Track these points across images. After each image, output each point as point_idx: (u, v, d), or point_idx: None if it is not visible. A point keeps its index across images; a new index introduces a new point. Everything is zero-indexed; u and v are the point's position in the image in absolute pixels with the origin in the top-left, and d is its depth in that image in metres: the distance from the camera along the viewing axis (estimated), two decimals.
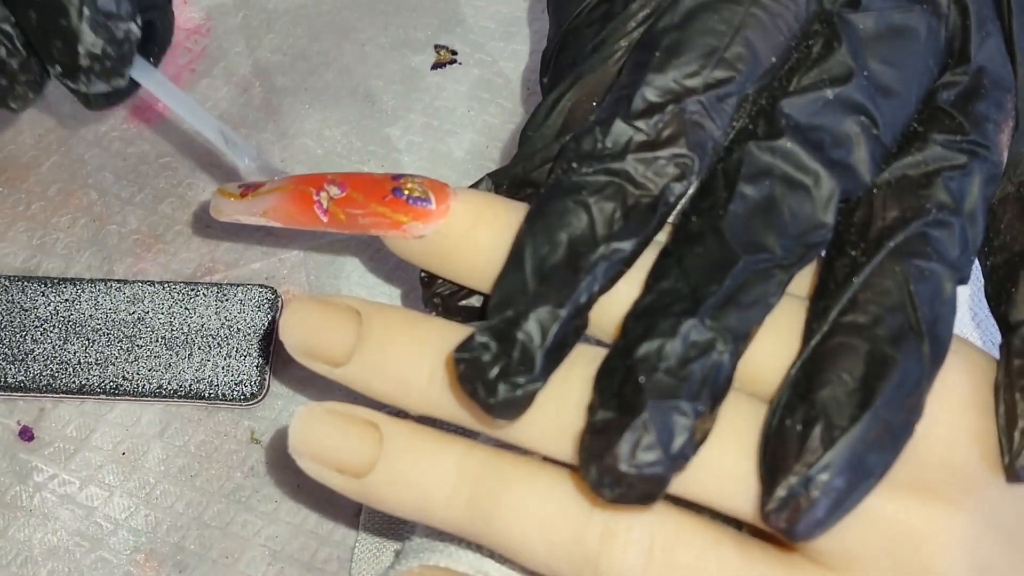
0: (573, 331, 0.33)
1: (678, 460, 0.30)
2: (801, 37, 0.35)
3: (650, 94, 0.34)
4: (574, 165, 0.34)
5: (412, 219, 0.35)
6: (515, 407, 0.32)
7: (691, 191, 0.34)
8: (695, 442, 0.31)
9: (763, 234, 0.33)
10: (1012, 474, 0.33)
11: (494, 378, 0.32)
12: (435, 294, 0.38)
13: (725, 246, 0.32)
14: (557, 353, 0.32)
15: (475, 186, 0.38)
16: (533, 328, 0.32)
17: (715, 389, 0.31)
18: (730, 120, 0.34)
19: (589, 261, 0.32)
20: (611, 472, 0.30)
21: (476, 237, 0.35)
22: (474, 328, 0.33)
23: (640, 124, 0.33)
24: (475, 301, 0.38)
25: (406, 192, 0.36)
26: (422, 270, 0.38)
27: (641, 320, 0.32)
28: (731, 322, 0.31)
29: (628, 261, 0.33)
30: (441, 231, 0.36)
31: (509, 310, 0.32)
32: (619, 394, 0.31)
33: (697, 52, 0.34)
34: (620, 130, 0.33)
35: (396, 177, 0.36)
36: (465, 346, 0.32)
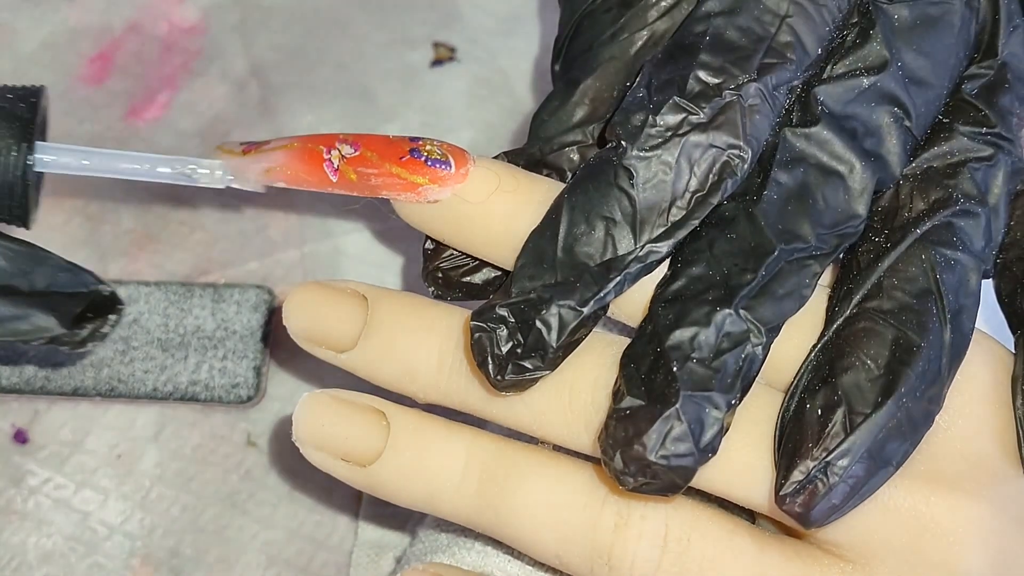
0: (592, 322, 0.33)
1: (706, 453, 0.30)
2: (841, 28, 0.35)
3: (705, 75, 0.33)
4: (623, 143, 0.33)
5: (429, 181, 0.35)
6: (518, 387, 0.32)
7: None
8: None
9: (798, 223, 0.32)
10: None
11: (505, 355, 0.32)
12: (437, 267, 0.37)
13: (759, 233, 0.32)
14: (571, 348, 0.33)
15: None
16: (553, 320, 0.32)
17: (746, 383, 0.31)
18: (780, 111, 0.33)
19: (624, 261, 0.32)
20: (638, 461, 0.30)
21: (494, 205, 0.35)
22: (496, 297, 0.33)
23: (695, 106, 0.32)
24: (477, 279, 0.37)
25: (424, 153, 0.35)
26: (427, 240, 0.37)
27: (671, 306, 0.32)
28: (765, 314, 0.31)
29: (661, 261, 0.33)
30: (458, 195, 0.35)
31: (533, 287, 0.32)
32: (647, 381, 0.31)
33: (748, 39, 0.33)
34: (674, 110, 0.33)
35: (414, 139, 0.35)
36: (483, 315, 0.32)
